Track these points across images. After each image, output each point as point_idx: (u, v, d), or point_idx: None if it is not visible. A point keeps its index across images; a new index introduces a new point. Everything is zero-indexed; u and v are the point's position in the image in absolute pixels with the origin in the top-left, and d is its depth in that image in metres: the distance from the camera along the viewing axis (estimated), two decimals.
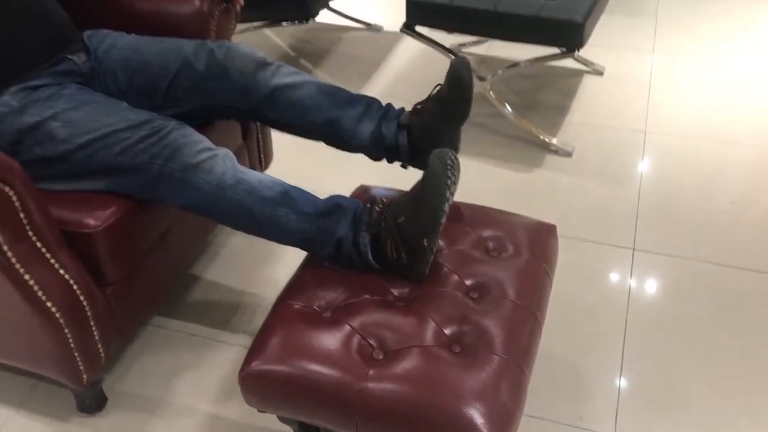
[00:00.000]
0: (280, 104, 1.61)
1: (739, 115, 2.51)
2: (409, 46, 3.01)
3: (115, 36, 1.69)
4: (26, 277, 1.28)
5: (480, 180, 2.27)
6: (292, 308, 1.33)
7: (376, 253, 1.37)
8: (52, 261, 1.33)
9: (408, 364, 1.21)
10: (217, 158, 1.43)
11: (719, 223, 2.07)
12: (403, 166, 1.65)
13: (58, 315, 1.33)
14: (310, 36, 3.17)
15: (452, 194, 1.32)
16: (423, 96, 1.60)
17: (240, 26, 2.75)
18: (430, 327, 1.27)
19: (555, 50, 2.24)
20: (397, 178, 1.72)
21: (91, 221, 1.39)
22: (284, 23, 2.52)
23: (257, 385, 1.26)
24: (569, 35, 2.14)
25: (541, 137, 2.39)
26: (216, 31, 1.75)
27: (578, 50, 2.17)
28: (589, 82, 2.73)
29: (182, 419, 1.61)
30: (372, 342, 1.25)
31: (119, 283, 1.49)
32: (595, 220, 2.10)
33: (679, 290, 1.87)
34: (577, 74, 2.78)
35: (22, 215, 1.26)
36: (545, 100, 2.63)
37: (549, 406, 1.60)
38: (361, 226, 1.37)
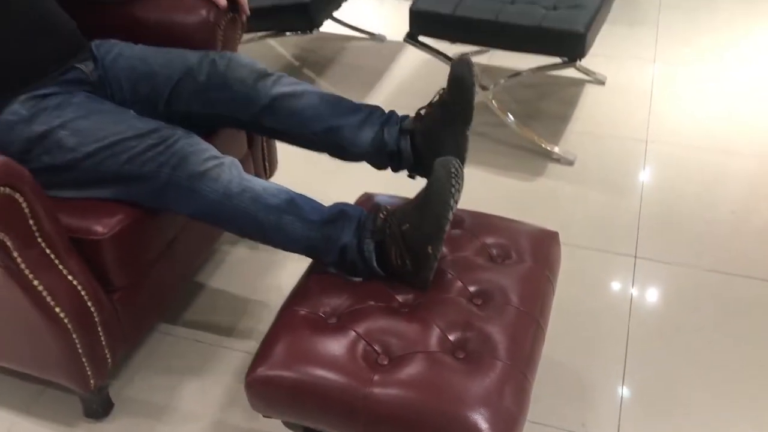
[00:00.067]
0: (280, 113, 1.61)
1: (740, 124, 2.53)
2: (412, 55, 3.03)
3: (122, 46, 1.70)
4: (35, 282, 1.30)
5: (483, 188, 2.28)
6: (297, 314, 1.34)
7: (381, 260, 1.38)
8: (61, 267, 1.35)
9: (413, 369, 1.22)
10: (224, 167, 1.45)
11: (720, 232, 2.08)
12: (410, 176, 1.64)
13: (66, 320, 1.35)
14: (314, 46, 3.20)
15: (456, 202, 1.34)
16: (424, 104, 1.60)
17: (244, 36, 2.77)
18: (435, 333, 1.28)
19: (557, 60, 2.26)
20: (401, 186, 1.74)
21: (99, 228, 1.41)
22: (288, 33, 2.54)
23: (263, 391, 1.27)
24: (571, 45, 2.16)
25: (543, 146, 2.41)
26: (222, 41, 1.77)
27: (580, 60, 2.19)
28: (590, 92, 2.75)
29: (188, 425, 1.62)
30: (377, 348, 1.27)
31: (126, 289, 1.51)
32: (597, 229, 2.11)
33: (680, 298, 1.88)
34: (579, 83, 2.80)
35: (31, 222, 1.28)
36: (547, 110, 2.65)
37: (552, 413, 1.61)
38: (365, 234, 1.38)
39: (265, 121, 1.63)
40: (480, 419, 1.15)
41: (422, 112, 1.58)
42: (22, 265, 1.27)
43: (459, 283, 1.38)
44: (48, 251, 1.32)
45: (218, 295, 1.95)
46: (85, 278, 1.39)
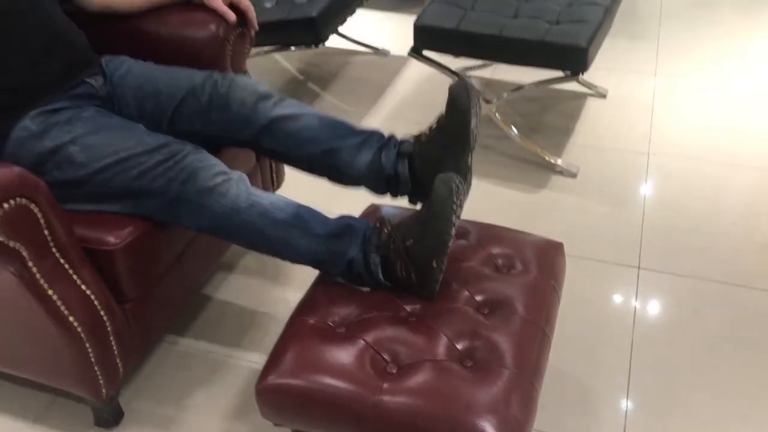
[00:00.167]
0: (278, 135, 1.61)
1: (741, 136, 2.56)
2: (416, 70, 3.06)
3: (131, 63, 1.72)
4: (50, 292, 1.32)
5: (487, 200, 2.31)
6: (306, 324, 1.36)
7: (387, 273, 1.40)
8: (75, 277, 1.37)
9: (421, 377, 1.24)
10: (232, 182, 1.47)
11: (722, 244, 2.10)
12: (411, 202, 1.61)
13: (79, 329, 1.37)
14: (319, 60, 3.23)
15: (458, 217, 1.35)
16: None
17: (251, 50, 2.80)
18: (442, 342, 1.30)
19: (559, 73, 2.29)
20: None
21: (112, 239, 1.43)
22: (293, 48, 2.58)
23: (273, 399, 1.28)
24: (573, 59, 2.18)
25: (547, 158, 2.44)
26: (232, 55, 1.79)
27: (582, 74, 2.22)
28: (592, 105, 2.77)
29: None
30: (386, 356, 1.29)
31: (137, 300, 1.53)
32: (600, 240, 2.13)
33: (684, 308, 1.90)
34: (581, 97, 2.83)
35: (46, 232, 1.30)
36: (550, 123, 2.68)
37: (557, 421, 1.62)
38: (370, 248, 1.40)
39: (264, 142, 1.63)
40: (488, 426, 1.17)
41: (422, 136, 1.55)
42: (37, 275, 1.30)
43: (466, 293, 1.40)
44: (62, 261, 1.34)
45: (226, 307, 1.97)
46: (98, 288, 1.41)
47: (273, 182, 2.02)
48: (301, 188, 2.00)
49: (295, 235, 1.44)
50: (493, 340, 1.30)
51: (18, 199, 1.23)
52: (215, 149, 1.64)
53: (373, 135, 1.60)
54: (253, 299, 1.99)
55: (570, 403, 1.67)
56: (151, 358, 1.82)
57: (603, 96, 2.82)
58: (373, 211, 1.64)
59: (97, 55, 1.71)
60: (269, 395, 1.28)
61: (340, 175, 1.61)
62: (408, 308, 1.38)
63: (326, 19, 2.42)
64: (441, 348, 1.29)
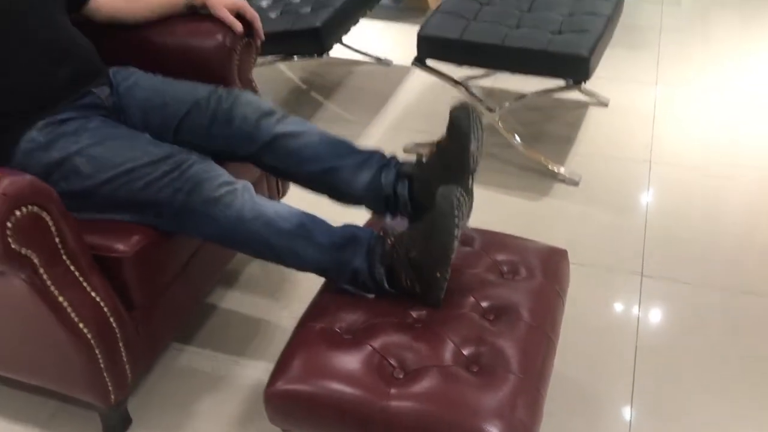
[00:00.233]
0: (279, 152, 1.62)
1: (740, 144, 2.57)
2: (418, 79, 3.09)
3: (139, 75, 1.73)
4: (60, 299, 1.33)
5: (490, 208, 2.32)
6: (313, 330, 1.37)
7: (391, 281, 1.42)
8: (85, 284, 1.38)
9: (428, 383, 1.25)
10: (237, 192, 1.48)
11: (724, 250, 2.12)
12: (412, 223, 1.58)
13: (89, 336, 1.38)
14: (322, 70, 3.25)
15: (461, 229, 1.37)
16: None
17: None
18: (449, 348, 1.31)
19: (561, 82, 2.31)
20: None
21: (121, 246, 1.44)
22: (295, 57, 2.60)
23: (282, 404, 1.30)
24: (576, 68, 2.20)
25: (550, 167, 2.45)
26: (238, 65, 1.81)
27: (585, 83, 2.24)
28: (594, 114, 2.79)
29: None
30: (392, 362, 1.30)
31: (145, 307, 1.54)
32: (603, 247, 2.15)
33: (688, 315, 1.91)
34: (582, 106, 2.85)
35: (57, 239, 1.32)
36: (552, 131, 2.70)
37: (562, 427, 1.63)
38: (375, 258, 1.41)
39: (265, 158, 1.64)
40: (494, 431, 1.18)
41: (422, 158, 1.55)
42: (48, 282, 1.31)
43: (471, 299, 1.42)
44: (72, 268, 1.36)
45: (230, 315, 1.98)
46: (107, 295, 1.43)
47: (278, 191, 2.04)
48: (306, 196, 2.00)
49: (300, 245, 1.45)
50: (499, 345, 1.32)
51: (30, 207, 1.25)
52: (219, 161, 1.65)
53: (373, 155, 1.60)
54: (257, 307, 2.00)
55: (575, 408, 1.68)
56: (157, 366, 1.83)
57: (604, 105, 2.84)
58: (377, 219, 1.65)
59: (104, 65, 1.72)
60: (277, 401, 1.29)
61: (340, 194, 1.61)
62: (414, 314, 1.40)
63: (330, 29, 2.45)
64: (447, 353, 1.30)
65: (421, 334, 1.34)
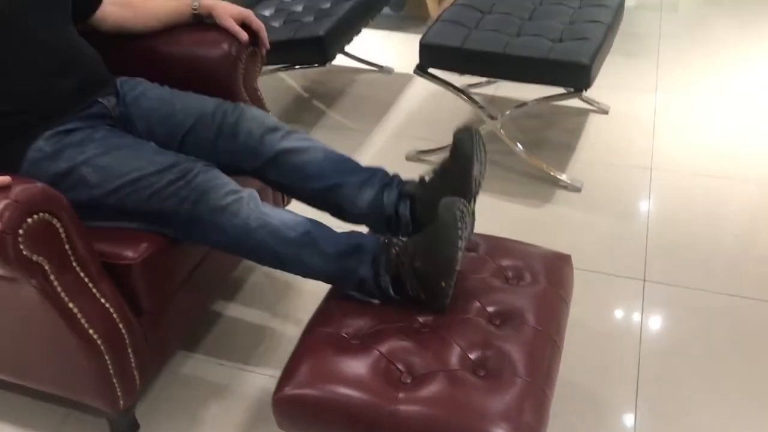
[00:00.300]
0: (283, 167, 1.63)
1: (740, 150, 2.59)
2: (419, 87, 3.11)
3: (146, 86, 1.74)
4: (71, 305, 1.34)
5: (493, 214, 2.34)
6: (321, 335, 1.39)
7: (397, 288, 1.43)
8: (94, 291, 1.40)
9: (435, 387, 1.26)
10: (243, 200, 1.49)
11: (725, 256, 2.13)
12: None
13: (99, 342, 1.39)
14: (323, 78, 3.27)
15: (465, 240, 1.38)
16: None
17: None
18: (455, 352, 1.33)
19: (561, 90, 2.33)
20: None
21: (129, 253, 1.46)
22: (297, 66, 2.62)
23: (290, 409, 1.30)
24: (577, 76, 2.22)
25: (552, 174, 2.47)
26: (243, 74, 1.83)
27: (586, 90, 2.26)
28: (594, 121, 2.82)
29: None
30: (400, 366, 1.31)
31: (153, 314, 1.55)
32: (606, 253, 2.16)
33: (691, 320, 1.93)
34: (583, 113, 2.87)
35: (67, 247, 1.33)
36: (553, 138, 2.72)
37: (567, 431, 1.65)
38: (380, 267, 1.42)
39: (269, 174, 1.65)
40: None
41: (425, 178, 1.57)
42: (59, 288, 1.32)
43: (477, 304, 1.43)
44: (82, 275, 1.37)
45: (236, 322, 1.99)
46: (117, 301, 1.44)
47: (283, 198, 2.05)
48: None
49: (306, 254, 1.47)
50: (505, 349, 1.33)
51: (41, 214, 1.26)
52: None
53: (376, 173, 1.61)
54: (262, 315, 2.01)
55: (580, 412, 1.69)
56: (164, 372, 1.84)
57: (605, 112, 2.86)
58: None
59: (111, 75, 1.73)
60: (286, 406, 1.30)
61: (342, 212, 1.62)
62: (420, 319, 1.41)
63: (333, 38, 2.47)
64: (454, 358, 1.32)
65: (428, 338, 1.36)
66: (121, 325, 1.44)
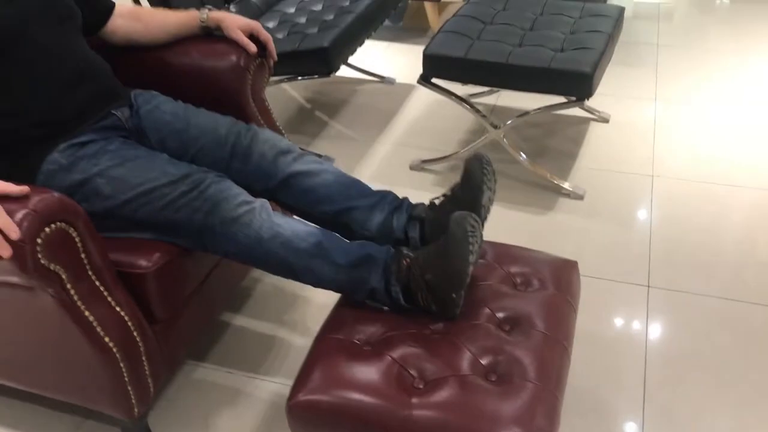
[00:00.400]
0: (294, 189, 1.65)
1: (740, 157, 2.62)
2: (422, 97, 3.13)
3: (161, 99, 1.75)
4: (87, 314, 1.36)
5: (498, 222, 2.36)
6: (333, 341, 1.40)
7: (408, 298, 1.45)
8: (110, 299, 1.41)
9: (448, 392, 1.28)
10: (255, 211, 1.50)
11: (728, 261, 2.15)
12: None
13: (115, 350, 1.41)
14: (326, 89, 3.30)
15: (475, 253, 1.40)
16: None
17: None
18: (467, 357, 1.34)
19: (563, 99, 2.36)
20: None
21: (143, 263, 1.48)
22: (299, 77, 2.64)
23: (304, 415, 1.32)
24: (579, 85, 2.25)
25: (555, 182, 2.50)
26: (251, 85, 1.85)
27: (587, 99, 2.29)
28: (595, 129, 2.84)
29: None
30: (412, 372, 1.33)
31: (166, 322, 1.57)
32: (609, 260, 2.18)
33: (696, 325, 1.95)
34: (584, 122, 2.89)
35: (83, 256, 1.35)
36: (555, 147, 2.74)
37: None
38: (391, 277, 1.44)
39: (280, 196, 1.67)
40: None
41: (435, 202, 1.60)
42: (75, 297, 1.34)
43: (487, 310, 1.45)
44: (98, 284, 1.39)
45: (245, 331, 2.01)
46: (131, 310, 1.46)
47: None
48: None
49: (317, 265, 1.48)
50: (516, 354, 1.35)
51: (58, 224, 1.28)
52: None
53: (386, 197, 1.64)
54: (271, 324, 2.02)
55: (588, 417, 1.70)
56: (175, 380, 1.85)
57: (606, 121, 2.89)
58: None
59: (124, 87, 1.74)
60: (300, 412, 1.32)
61: (352, 234, 1.63)
62: (431, 326, 1.43)
63: (338, 49, 2.49)
64: (465, 363, 1.33)
65: (439, 344, 1.37)
66: (135, 333, 1.46)
